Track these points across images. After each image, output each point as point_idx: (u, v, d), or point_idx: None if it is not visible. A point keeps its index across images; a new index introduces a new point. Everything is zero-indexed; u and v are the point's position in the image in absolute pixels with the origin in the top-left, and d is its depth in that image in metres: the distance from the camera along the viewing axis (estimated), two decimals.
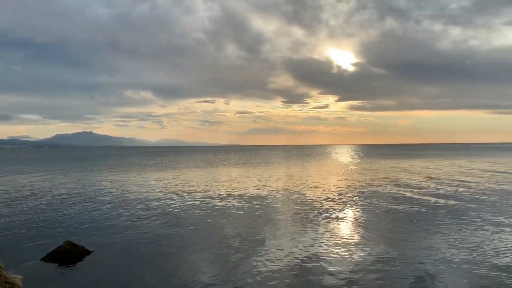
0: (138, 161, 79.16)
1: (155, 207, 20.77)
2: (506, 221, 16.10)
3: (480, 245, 12.48)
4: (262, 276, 9.93)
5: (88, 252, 12.07)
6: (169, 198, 23.82)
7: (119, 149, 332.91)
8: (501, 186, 28.30)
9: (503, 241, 13.00)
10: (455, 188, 27.13)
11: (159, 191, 27.40)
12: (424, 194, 24.35)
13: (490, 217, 16.85)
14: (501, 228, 14.85)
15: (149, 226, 16.09)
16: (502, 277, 9.64)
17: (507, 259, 11.03)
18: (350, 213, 18.40)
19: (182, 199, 23.54)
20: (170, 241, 13.57)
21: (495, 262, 10.77)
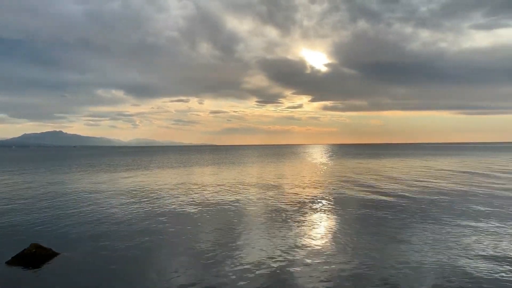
0: (109, 161, 77.82)
1: (126, 208, 20.53)
2: (471, 221, 16.75)
3: (447, 244, 12.96)
4: (234, 280, 10.00)
5: (56, 255, 11.86)
6: (141, 199, 23.58)
7: (90, 149, 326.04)
8: (466, 187, 29.33)
9: (470, 237, 13.56)
10: (421, 189, 27.96)
11: (131, 192, 27.08)
12: (393, 195, 25.02)
13: (455, 218, 17.48)
14: (467, 228, 15.45)
15: (119, 227, 15.91)
16: (471, 274, 10.09)
17: (474, 256, 11.51)
18: (321, 215, 18.70)
19: (154, 200, 23.34)
20: (141, 243, 13.45)
21: (464, 260, 11.22)
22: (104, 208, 20.37)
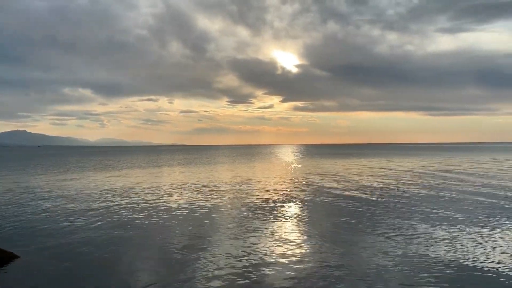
0: (75, 161, 76.02)
1: (93, 210, 20.25)
2: (416, 223, 17.44)
3: (413, 242, 13.52)
4: (207, 279, 10.06)
5: (16, 257, 11.67)
6: (109, 201, 23.30)
7: (56, 149, 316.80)
8: (414, 188, 30.39)
9: (436, 234, 14.20)
10: (380, 190, 28.82)
11: (97, 193, 26.69)
12: (357, 195, 25.68)
13: (405, 220, 18.17)
14: (429, 226, 16.12)
15: (85, 230, 15.69)
16: (437, 269, 10.62)
17: (439, 252, 12.09)
18: (292, 215, 18.96)
19: (122, 201, 23.12)
20: (108, 245, 13.33)
21: (431, 257, 11.76)
22: (70, 210, 20.03)
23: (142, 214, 18.75)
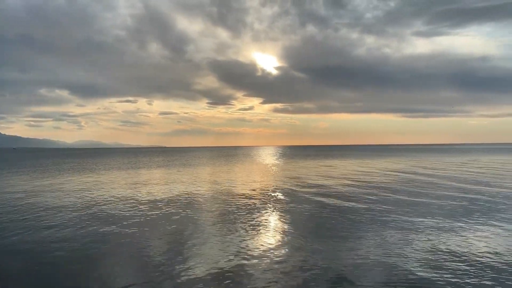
0: (52, 164, 74.70)
1: (68, 213, 20.18)
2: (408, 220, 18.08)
3: (391, 244, 14.05)
4: (185, 282, 10.23)
5: None
6: (85, 203, 23.20)
7: (31, 151, 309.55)
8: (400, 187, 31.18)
9: (408, 237, 14.77)
10: (366, 190, 29.46)
11: (73, 196, 26.49)
12: (334, 199, 26.19)
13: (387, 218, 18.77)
14: (407, 227, 16.72)
15: (61, 234, 15.68)
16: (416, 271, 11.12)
17: (419, 255, 12.61)
18: (271, 219, 19.11)
19: (100, 205, 23.04)
20: (85, 250, 13.36)
21: (402, 263, 12.26)
22: (46, 214, 19.91)
23: (120, 218, 18.75)
